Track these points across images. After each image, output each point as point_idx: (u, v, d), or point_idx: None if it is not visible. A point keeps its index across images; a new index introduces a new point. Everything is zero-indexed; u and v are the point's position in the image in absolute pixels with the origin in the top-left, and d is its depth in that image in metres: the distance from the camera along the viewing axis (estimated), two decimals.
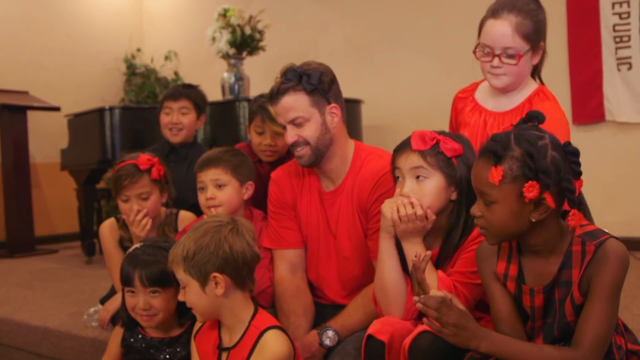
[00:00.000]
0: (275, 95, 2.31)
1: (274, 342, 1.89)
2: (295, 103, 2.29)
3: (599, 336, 1.60)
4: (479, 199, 1.68)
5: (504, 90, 2.29)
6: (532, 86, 2.30)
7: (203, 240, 1.88)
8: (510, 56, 2.19)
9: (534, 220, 1.61)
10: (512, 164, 1.59)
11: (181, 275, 1.89)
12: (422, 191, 1.96)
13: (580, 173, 1.63)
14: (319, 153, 2.35)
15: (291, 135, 2.32)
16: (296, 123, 2.31)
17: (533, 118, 1.67)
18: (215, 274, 1.86)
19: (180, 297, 1.93)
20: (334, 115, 2.36)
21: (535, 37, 2.20)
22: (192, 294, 1.89)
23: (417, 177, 1.98)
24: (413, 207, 1.92)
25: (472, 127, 2.29)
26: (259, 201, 2.77)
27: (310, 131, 2.31)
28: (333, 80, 2.37)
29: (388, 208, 1.96)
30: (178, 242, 1.94)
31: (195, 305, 1.91)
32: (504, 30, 2.19)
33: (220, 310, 1.92)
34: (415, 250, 1.95)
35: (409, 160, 1.99)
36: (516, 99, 2.27)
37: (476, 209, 1.69)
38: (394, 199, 1.98)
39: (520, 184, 1.58)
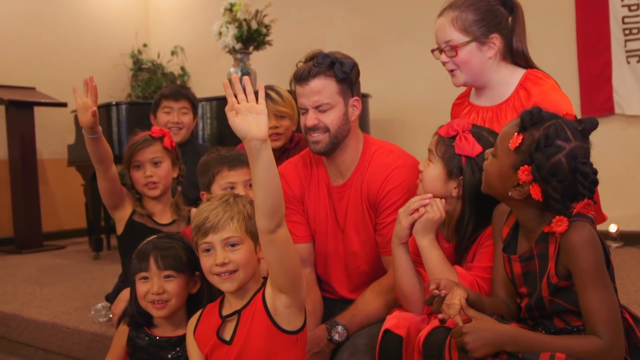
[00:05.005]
0: (305, 77, 2.29)
1: None
2: (325, 88, 2.29)
3: (608, 320, 1.59)
4: (494, 147, 1.78)
5: (470, 86, 2.35)
6: (518, 73, 2.29)
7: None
8: (450, 49, 2.23)
9: (510, 194, 1.70)
10: (526, 139, 1.66)
11: (239, 232, 1.87)
12: (424, 174, 2.03)
13: (584, 195, 1.63)
14: (335, 142, 2.34)
15: (312, 118, 2.31)
16: (321, 109, 2.30)
17: (581, 122, 1.70)
18: None
19: (224, 259, 1.85)
20: (355, 108, 2.36)
21: (477, 27, 2.22)
22: (247, 252, 1.88)
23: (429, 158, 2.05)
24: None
25: None
26: None
27: (332, 119, 2.31)
28: (359, 75, 2.38)
29: (405, 215, 2.00)
30: (227, 203, 1.91)
31: (245, 265, 1.87)
32: (440, 25, 2.27)
33: (254, 275, 1.91)
34: (428, 244, 1.98)
35: (432, 140, 2.05)
36: (506, 90, 2.27)
37: (487, 152, 1.81)
38: (410, 204, 2.01)
39: (519, 159, 1.66)
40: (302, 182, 2.51)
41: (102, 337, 2.88)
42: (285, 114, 3.11)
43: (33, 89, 6.03)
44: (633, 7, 4.64)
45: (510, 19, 2.30)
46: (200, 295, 2.18)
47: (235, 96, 1.67)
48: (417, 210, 1.98)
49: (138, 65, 7.14)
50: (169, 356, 2.14)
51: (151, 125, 3.37)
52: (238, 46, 4.88)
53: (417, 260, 2.06)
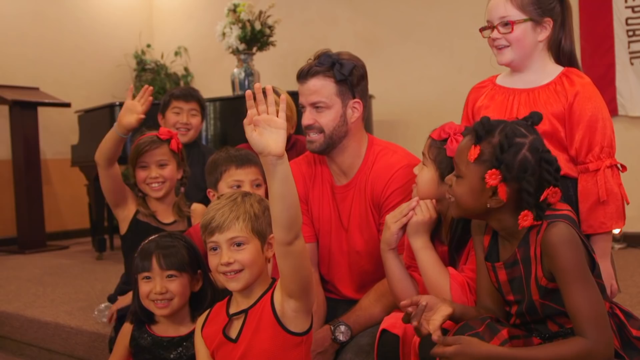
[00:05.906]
0: (304, 75, 2.32)
1: None
2: (322, 88, 2.30)
3: (592, 318, 1.59)
4: (455, 170, 1.78)
5: (513, 68, 2.31)
6: (558, 66, 2.29)
7: (263, 203, 1.90)
8: (506, 25, 2.22)
9: (488, 206, 1.69)
10: (486, 148, 1.68)
11: (244, 232, 1.87)
12: (418, 178, 2.05)
13: (550, 182, 1.65)
14: (331, 142, 2.35)
15: (308, 117, 2.33)
16: (317, 107, 2.32)
17: (529, 117, 1.73)
18: (273, 235, 1.86)
19: (229, 259, 1.85)
20: (355, 110, 2.36)
21: (533, 8, 2.21)
22: (253, 252, 1.87)
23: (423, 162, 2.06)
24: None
25: (497, 107, 2.28)
26: None
27: (327, 119, 2.32)
28: (363, 76, 2.38)
29: (393, 220, 2.02)
30: (235, 202, 1.90)
31: (251, 265, 1.87)
32: (497, 2, 2.24)
33: (262, 274, 1.91)
34: (421, 246, 2.00)
35: (425, 144, 2.05)
36: (543, 77, 2.26)
37: (449, 178, 1.80)
38: (399, 210, 2.04)
39: (486, 168, 1.66)
40: (306, 182, 2.52)
41: (105, 337, 2.88)
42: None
43: (37, 89, 6.04)
44: (637, 9, 4.63)
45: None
46: (203, 293, 2.19)
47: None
48: (405, 214, 2.00)
49: (141, 65, 7.15)
50: (172, 356, 2.14)
51: (157, 125, 3.37)
52: (242, 47, 4.88)
53: (413, 264, 2.07)
